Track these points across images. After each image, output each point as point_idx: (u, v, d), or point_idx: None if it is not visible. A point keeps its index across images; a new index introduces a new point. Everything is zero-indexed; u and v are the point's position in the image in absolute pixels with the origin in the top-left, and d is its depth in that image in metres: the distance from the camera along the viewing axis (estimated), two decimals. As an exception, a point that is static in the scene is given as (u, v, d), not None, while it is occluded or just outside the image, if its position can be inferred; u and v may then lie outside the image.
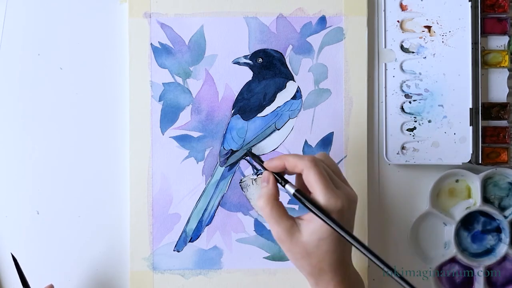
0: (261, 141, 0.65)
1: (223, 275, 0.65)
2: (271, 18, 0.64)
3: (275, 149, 0.65)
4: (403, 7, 0.65)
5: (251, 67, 0.65)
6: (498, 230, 0.66)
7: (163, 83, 0.64)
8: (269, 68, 0.64)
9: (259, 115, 0.65)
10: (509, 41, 0.65)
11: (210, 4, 0.64)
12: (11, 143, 0.65)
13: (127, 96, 0.64)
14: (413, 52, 0.65)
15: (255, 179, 0.65)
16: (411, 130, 0.65)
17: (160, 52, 0.64)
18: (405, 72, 0.65)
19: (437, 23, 0.65)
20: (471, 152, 0.64)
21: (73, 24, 0.65)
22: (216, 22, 0.64)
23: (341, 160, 0.65)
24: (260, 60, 0.64)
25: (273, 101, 0.65)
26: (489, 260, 0.65)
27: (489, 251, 0.66)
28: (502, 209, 0.66)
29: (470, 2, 0.64)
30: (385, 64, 0.65)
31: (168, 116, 0.64)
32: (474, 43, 0.64)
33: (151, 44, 0.64)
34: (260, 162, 0.57)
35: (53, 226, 0.65)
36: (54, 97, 0.65)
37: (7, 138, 0.65)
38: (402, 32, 0.65)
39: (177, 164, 0.64)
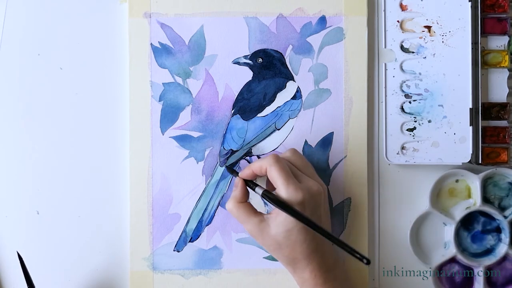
0: (261, 141, 0.65)
1: (223, 275, 0.65)
2: (271, 18, 0.64)
3: (275, 149, 0.65)
4: (403, 7, 0.65)
5: (251, 67, 0.65)
6: (498, 230, 0.66)
7: (163, 83, 0.64)
8: (269, 68, 0.64)
9: (259, 115, 0.65)
10: (509, 41, 0.65)
11: (210, 4, 0.64)
12: (11, 143, 0.65)
13: (127, 96, 0.64)
14: (413, 52, 0.65)
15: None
16: (411, 130, 0.65)
17: (160, 52, 0.64)
18: (405, 72, 0.65)
19: (437, 23, 0.65)
20: (471, 152, 0.64)
21: (73, 24, 0.65)
22: (216, 22, 0.64)
23: (341, 160, 0.65)
24: (260, 60, 0.64)
25: (273, 101, 0.65)
26: (489, 260, 0.65)
27: (489, 251, 0.66)
28: (502, 209, 0.66)
29: (470, 2, 0.64)
30: (385, 64, 0.65)
31: (168, 116, 0.64)
32: (474, 43, 0.64)
33: (151, 44, 0.64)
34: (236, 173, 0.61)
35: (53, 226, 0.65)
36: (54, 97, 0.65)
37: (7, 138, 0.65)
38: (402, 32, 0.65)
39: (177, 164, 0.64)
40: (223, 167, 0.65)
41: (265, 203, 0.65)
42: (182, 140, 0.64)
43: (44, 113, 0.65)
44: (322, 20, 0.65)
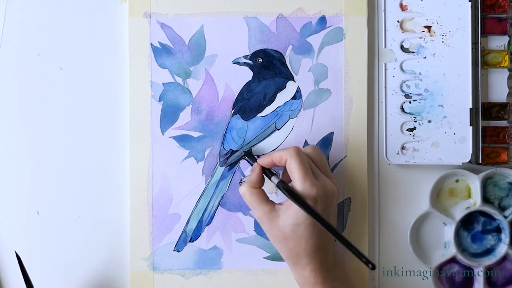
0: (261, 141, 0.65)
1: (223, 275, 0.65)
2: (271, 18, 0.64)
3: (275, 149, 0.65)
4: (403, 7, 0.65)
5: (251, 67, 0.65)
6: (498, 230, 0.66)
7: (163, 83, 0.64)
8: (269, 68, 0.64)
9: (259, 115, 0.65)
10: (509, 41, 0.65)
11: (210, 4, 0.64)
12: (11, 143, 0.65)
13: (127, 96, 0.64)
14: (413, 52, 0.65)
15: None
16: (411, 130, 0.65)
17: (160, 52, 0.64)
18: (405, 72, 0.65)
19: (437, 23, 0.65)
20: (471, 152, 0.64)
21: (73, 24, 0.65)
22: (216, 22, 0.64)
23: (341, 160, 0.65)
24: (260, 60, 0.64)
25: (273, 101, 0.65)
26: (489, 260, 0.65)
27: (489, 251, 0.66)
28: (502, 209, 0.66)
29: (470, 2, 0.64)
30: (385, 64, 0.65)
31: (168, 116, 0.64)
32: (474, 43, 0.64)
33: (151, 44, 0.64)
34: (254, 159, 0.62)
35: (53, 226, 0.65)
36: (54, 97, 0.65)
37: (7, 138, 0.65)
38: (402, 32, 0.65)
39: (177, 164, 0.64)
40: (223, 167, 0.65)
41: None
42: (182, 140, 0.64)
43: (44, 113, 0.65)
44: (322, 20, 0.65)
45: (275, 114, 0.65)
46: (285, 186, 0.56)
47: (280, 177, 0.60)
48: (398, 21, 0.65)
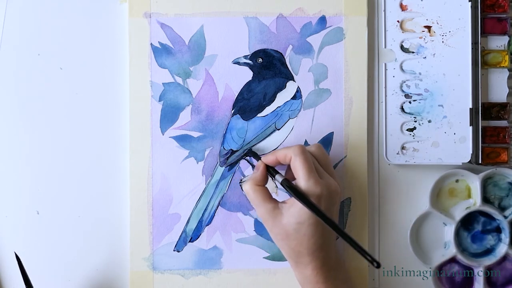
0: (261, 141, 0.65)
1: (223, 275, 0.65)
2: (271, 18, 0.64)
3: (275, 149, 0.65)
4: (403, 7, 0.65)
5: (251, 67, 0.65)
6: (498, 230, 0.66)
7: (163, 83, 0.64)
8: (269, 68, 0.64)
9: (259, 115, 0.65)
10: (509, 41, 0.65)
11: (210, 4, 0.64)
12: (11, 143, 0.65)
13: (127, 96, 0.64)
14: (413, 52, 0.65)
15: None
16: (411, 130, 0.65)
17: (160, 52, 0.64)
18: (405, 72, 0.65)
19: (437, 23, 0.65)
20: (471, 152, 0.64)
21: (73, 24, 0.65)
22: (216, 22, 0.64)
23: (341, 160, 0.65)
24: (260, 60, 0.64)
25: (273, 101, 0.65)
26: (489, 260, 0.65)
27: (489, 251, 0.66)
28: (502, 209, 0.66)
29: (470, 2, 0.64)
30: (385, 64, 0.65)
31: (168, 116, 0.64)
32: (474, 43, 0.64)
33: (151, 44, 0.64)
34: (258, 157, 0.62)
35: (53, 226, 0.65)
36: (54, 97, 0.65)
37: (7, 138, 0.65)
38: (402, 32, 0.65)
39: (177, 164, 0.64)
40: (223, 167, 0.65)
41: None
42: (182, 140, 0.64)
43: (44, 113, 0.65)
44: (322, 20, 0.65)
45: (275, 114, 0.65)
46: (289, 184, 0.56)
47: (285, 174, 0.60)
48: (398, 21, 0.65)
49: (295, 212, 0.56)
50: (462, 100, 0.64)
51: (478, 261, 0.65)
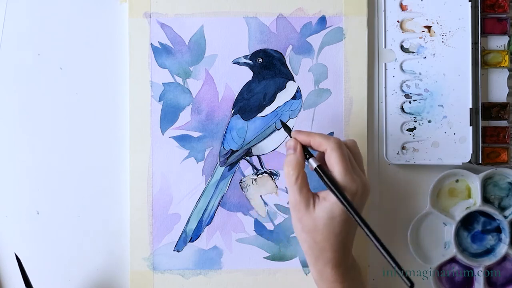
0: (261, 141, 0.65)
1: (223, 275, 0.65)
2: (271, 18, 0.64)
3: (275, 149, 0.65)
4: (403, 7, 0.65)
5: (251, 67, 0.65)
6: (498, 230, 0.66)
7: (163, 83, 0.64)
8: (269, 68, 0.64)
9: (259, 115, 0.65)
10: (509, 41, 0.65)
11: (210, 4, 0.64)
12: (11, 143, 0.65)
13: (127, 96, 0.64)
14: (413, 52, 0.65)
15: (255, 179, 0.65)
16: (411, 130, 0.65)
17: (160, 52, 0.64)
18: (405, 72, 0.65)
19: (437, 23, 0.65)
20: (471, 152, 0.64)
21: (73, 24, 0.65)
22: (216, 22, 0.64)
23: (341, 160, 0.65)
24: (260, 60, 0.64)
25: (273, 101, 0.65)
26: (489, 260, 0.65)
27: (489, 251, 0.66)
28: (502, 209, 0.66)
29: (470, 2, 0.64)
30: (385, 64, 0.65)
31: (168, 116, 0.64)
32: (474, 43, 0.64)
33: (151, 44, 0.64)
34: (288, 130, 0.59)
35: (53, 226, 0.65)
36: (54, 97, 0.65)
37: (7, 138, 0.65)
38: (402, 32, 0.65)
39: (177, 164, 0.64)
40: (223, 167, 0.65)
41: (265, 203, 0.65)
42: (182, 140, 0.64)
43: (44, 113, 0.65)
44: (322, 20, 0.65)
45: (275, 114, 0.65)
46: (324, 172, 0.54)
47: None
48: (398, 21, 0.65)
49: (328, 206, 0.54)
50: (462, 100, 0.64)
51: (478, 261, 0.65)
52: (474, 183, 0.65)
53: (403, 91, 0.65)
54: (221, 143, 0.65)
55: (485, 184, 0.65)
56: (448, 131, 0.64)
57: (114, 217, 0.65)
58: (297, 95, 0.65)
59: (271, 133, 0.65)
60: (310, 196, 0.55)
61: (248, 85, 0.65)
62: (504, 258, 0.65)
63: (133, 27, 0.64)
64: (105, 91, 0.65)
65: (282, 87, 0.65)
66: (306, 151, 0.57)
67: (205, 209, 0.65)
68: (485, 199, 0.65)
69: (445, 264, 0.66)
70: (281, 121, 0.61)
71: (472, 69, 0.64)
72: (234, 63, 0.65)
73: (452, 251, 0.65)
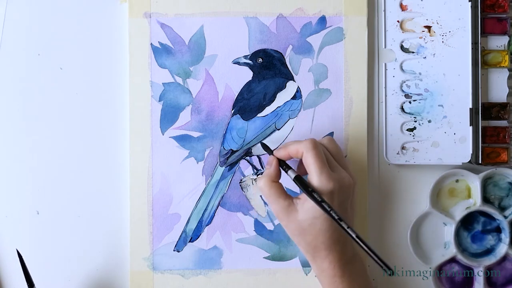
0: (261, 141, 0.65)
1: (223, 275, 0.65)
2: (271, 18, 0.64)
3: (275, 149, 0.65)
4: (403, 7, 0.65)
5: (251, 67, 0.65)
6: (498, 230, 0.66)
7: (163, 83, 0.64)
8: (269, 68, 0.64)
9: (259, 115, 0.65)
10: (509, 41, 0.65)
11: (210, 4, 0.64)
12: (11, 143, 0.65)
13: (127, 96, 0.64)
14: (413, 52, 0.65)
15: (255, 179, 0.65)
16: (411, 130, 0.65)
17: (160, 52, 0.64)
18: (405, 72, 0.65)
19: (437, 23, 0.65)
20: (471, 152, 0.64)
21: (73, 24, 0.65)
22: (216, 22, 0.64)
23: (341, 160, 0.65)
24: (260, 60, 0.64)
25: (273, 101, 0.65)
26: (489, 260, 0.65)
27: (489, 251, 0.66)
28: (502, 209, 0.66)
29: (470, 2, 0.64)
30: (385, 64, 0.65)
31: (168, 116, 0.64)
32: (474, 43, 0.64)
33: (151, 44, 0.64)
34: (270, 151, 0.61)
35: (53, 226, 0.65)
36: (54, 97, 0.65)
37: (7, 138, 0.65)
38: (402, 32, 0.65)
39: (177, 164, 0.64)
40: (223, 167, 0.65)
41: (265, 202, 0.65)
42: (182, 140, 0.64)
43: (44, 113, 0.65)
44: (322, 20, 0.65)
45: (275, 114, 0.65)
46: (300, 181, 0.56)
47: (297, 168, 0.60)
48: (398, 21, 0.65)
49: (309, 207, 0.56)
50: (462, 100, 0.64)
51: (478, 261, 0.65)
52: (474, 183, 0.65)
53: (403, 91, 0.65)
54: (221, 143, 0.65)
55: (485, 184, 0.65)
56: (448, 131, 0.64)
57: (114, 217, 0.65)
58: (297, 95, 0.65)
59: (271, 133, 0.65)
60: (290, 203, 0.57)
61: (248, 85, 0.65)
62: (504, 258, 0.65)
63: (133, 27, 0.64)
64: (105, 91, 0.65)
65: (282, 87, 0.65)
66: (285, 165, 0.59)
67: (205, 209, 0.65)
68: (485, 199, 0.65)
69: (445, 264, 0.66)
70: (262, 143, 0.63)
71: (472, 69, 0.64)
72: (234, 63, 0.65)
73: (452, 251, 0.65)
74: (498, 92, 0.65)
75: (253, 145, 0.65)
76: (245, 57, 0.64)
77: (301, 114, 0.65)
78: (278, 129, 0.65)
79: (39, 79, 0.65)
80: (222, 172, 0.65)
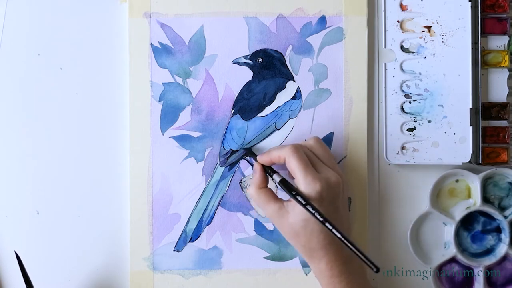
0: (261, 141, 0.65)
1: (223, 275, 0.65)
2: (271, 18, 0.64)
3: (258, 155, 0.65)
4: (403, 7, 0.65)
5: (251, 67, 0.65)
6: (498, 230, 0.66)
7: (163, 83, 0.64)
8: (269, 68, 0.64)
9: (259, 115, 0.65)
10: (509, 41, 0.65)
11: (210, 4, 0.64)
12: (11, 143, 0.65)
13: (127, 96, 0.64)
14: (413, 52, 0.65)
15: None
16: (411, 130, 0.65)
17: (160, 52, 0.64)
18: (405, 72, 0.65)
19: (437, 23, 0.65)
20: (471, 152, 0.64)
21: (73, 24, 0.65)
22: (216, 22, 0.64)
23: (341, 160, 0.65)
24: (260, 60, 0.64)
25: (273, 101, 0.65)
26: (489, 260, 0.65)
27: (489, 251, 0.66)
28: (502, 209, 0.66)
29: (470, 2, 0.64)
30: (385, 64, 0.65)
31: (168, 116, 0.64)
32: (474, 43, 0.64)
33: (151, 44, 0.64)
34: (254, 156, 0.62)
35: (53, 226, 0.65)
36: (54, 97, 0.65)
37: (7, 138, 0.65)
38: (402, 32, 0.65)
39: (177, 164, 0.64)
40: (223, 167, 0.65)
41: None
42: (182, 140, 0.64)
43: (44, 113, 0.65)
44: (322, 20, 0.65)
45: (275, 114, 0.65)
46: (285, 184, 0.57)
47: (286, 173, 0.60)
48: (398, 21, 0.65)
49: (299, 209, 0.56)
50: (462, 100, 0.64)
51: (478, 261, 0.65)
52: (474, 183, 0.65)
53: (403, 91, 0.65)
54: (221, 143, 0.65)
55: (485, 184, 0.65)
56: (448, 131, 0.64)
57: (114, 217, 0.65)
58: (297, 95, 0.65)
59: (271, 133, 0.65)
60: (281, 206, 0.58)
61: (248, 85, 0.65)
62: (504, 258, 0.65)
63: (133, 27, 0.64)
64: (105, 91, 0.65)
65: (282, 87, 0.65)
66: (270, 169, 0.60)
67: (205, 209, 0.65)
68: (485, 199, 0.65)
69: (445, 264, 0.66)
70: (245, 148, 0.64)
71: (472, 69, 0.64)
72: (234, 63, 0.65)
73: (452, 251, 0.65)
74: (498, 92, 0.65)
75: (253, 145, 0.65)
76: (245, 57, 0.64)
77: (301, 114, 0.65)
78: (278, 129, 0.65)
79: (39, 79, 0.65)
80: (222, 172, 0.65)
